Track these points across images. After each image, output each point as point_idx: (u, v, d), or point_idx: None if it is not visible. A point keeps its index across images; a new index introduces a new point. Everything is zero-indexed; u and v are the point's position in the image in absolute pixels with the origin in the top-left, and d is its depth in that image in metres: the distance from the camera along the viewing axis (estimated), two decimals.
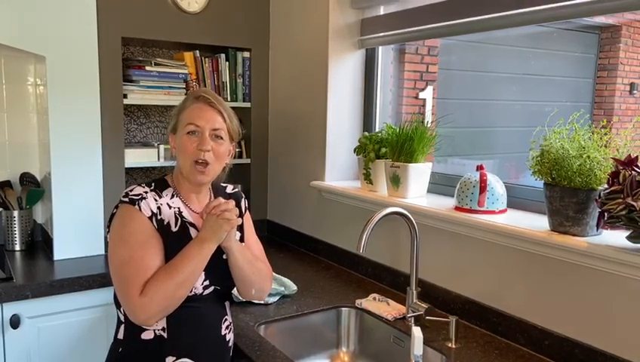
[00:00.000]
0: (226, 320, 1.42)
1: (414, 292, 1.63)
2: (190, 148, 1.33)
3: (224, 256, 1.36)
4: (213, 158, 1.34)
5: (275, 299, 1.81)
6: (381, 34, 2.19)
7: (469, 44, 3.83)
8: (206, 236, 1.29)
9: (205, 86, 2.52)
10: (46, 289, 1.91)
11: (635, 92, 4.78)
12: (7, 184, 2.30)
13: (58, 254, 2.16)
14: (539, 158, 1.45)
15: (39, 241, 2.41)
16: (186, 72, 2.44)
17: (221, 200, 1.33)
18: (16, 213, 2.25)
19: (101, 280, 2.00)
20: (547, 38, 4.19)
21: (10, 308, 1.85)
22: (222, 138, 1.36)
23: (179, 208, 1.37)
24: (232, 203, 1.33)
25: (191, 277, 1.28)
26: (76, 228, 2.19)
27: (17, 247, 2.27)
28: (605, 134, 1.36)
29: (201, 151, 1.32)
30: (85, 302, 1.98)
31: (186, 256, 1.28)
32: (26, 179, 2.36)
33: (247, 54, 2.60)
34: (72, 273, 2.00)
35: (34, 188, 2.32)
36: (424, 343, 1.41)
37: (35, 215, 2.41)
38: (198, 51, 2.50)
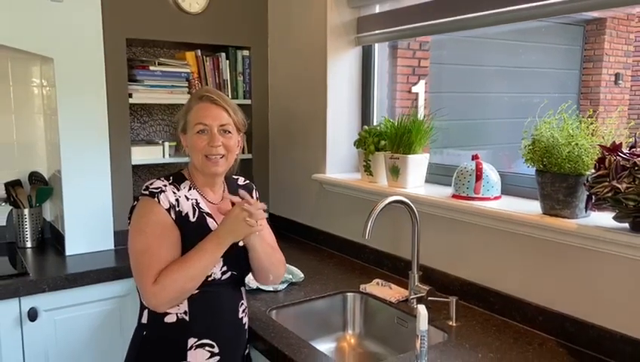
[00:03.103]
0: (242, 304, 1.51)
1: (416, 275, 1.73)
2: (201, 146, 1.42)
3: (240, 243, 1.45)
4: (225, 152, 1.44)
5: (284, 286, 1.90)
6: (377, 31, 2.28)
7: (459, 39, 3.93)
8: (223, 234, 1.36)
9: (207, 84, 2.59)
10: (62, 283, 1.98)
11: (620, 82, 4.91)
12: (17, 183, 2.36)
13: (70, 249, 2.23)
14: (530, 147, 1.55)
15: (49, 238, 2.47)
16: (188, 70, 2.51)
17: (251, 200, 1.39)
18: (26, 211, 2.32)
19: (113, 274, 2.07)
20: (534, 32, 4.31)
21: (27, 302, 1.92)
22: (230, 132, 1.45)
23: (196, 200, 1.45)
24: (261, 207, 1.41)
25: (203, 270, 1.36)
26: (86, 224, 2.26)
27: (29, 244, 2.34)
28: (592, 123, 1.46)
29: (212, 147, 1.41)
30: (99, 295, 2.06)
31: (201, 250, 1.36)
32: (35, 178, 2.42)
33: (246, 53, 2.67)
34: (84, 267, 2.07)
35: (43, 187, 2.39)
36: (428, 323, 1.51)
37: (44, 212, 2.47)
38: (199, 50, 2.58)
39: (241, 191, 1.43)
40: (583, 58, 4.81)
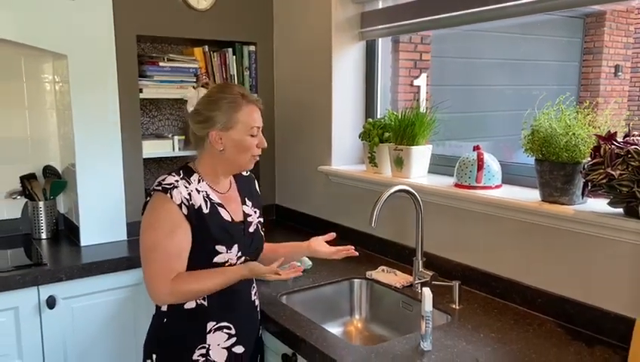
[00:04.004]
0: (254, 287, 1.60)
1: (420, 261, 1.81)
2: (252, 146, 1.51)
3: (251, 229, 1.54)
4: None
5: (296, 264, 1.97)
6: (380, 26, 2.35)
7: (460, 32, 3.99)
8: (247, 275, 1.49)
9: (215, 79, 2.65)
10: (78, 272, 2.05)
11: (619, 74, 4.96)
12: (32, 176, 2.44)
13: (84, 240, 2.31)
14: (530, 137, 1.61)
15: (62, 230, 2.55)
16: (196, 66, 2.57)
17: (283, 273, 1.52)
18: (41, 204, 2.39)
19: (127, 263, 2.14)
20: (535, 25, 4.36)
21: (46, 290, 1.99)
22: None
23: (206, 191, 1.50)
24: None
25: (214, 290, 1.45)
26: (100, 215, 2.33)
27: (44, 236, 2.41)
28: (588, 114, 1.53)
29: (260, 148, 1.52)
30: (114, 284, 2.13)
31: (222, 276, 1.45)
32: (49, 171, 2.50)
33: (252, 48, 2.73)
34: (99, 257, 2.14)
35: (57, 180, 2.46)
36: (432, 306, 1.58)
37: (58, 205, 2.54)
38: (207, 46, 2.64)
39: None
40: (583, 50, 4.86)
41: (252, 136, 1.50)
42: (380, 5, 2.38)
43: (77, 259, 2.16)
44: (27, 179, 2.41)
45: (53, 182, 2.44)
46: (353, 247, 1.72)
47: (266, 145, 1.54)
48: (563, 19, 4.57)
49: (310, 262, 2.05)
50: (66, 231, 2.53)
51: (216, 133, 1.47)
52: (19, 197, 2.42)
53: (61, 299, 2.03)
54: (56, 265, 2.06)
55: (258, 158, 1.55)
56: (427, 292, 1.41)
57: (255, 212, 1.62)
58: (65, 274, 2.03)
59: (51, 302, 1.99)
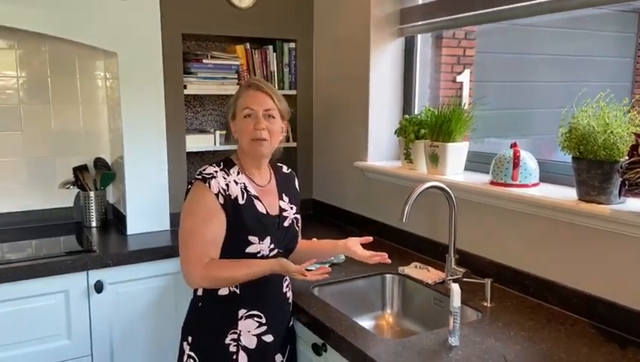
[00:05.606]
0: (286, 279, 1.65)
1: (453, 258, 1.81)
2: (248, 129, 1.54)
3: (285, 224, 1.58)
4: (268, 135, 1.56)
5: (326, 266, 2.01)
6: (419, 23, 2.34)
7: (507, 27, 3.89)
8: (277, 271, 1.54)
9: (255, 75, 2.72)
10: (124, 259, 2.17)
11: None
12: (84, 168, 2.58)
13: (131, 229, 2.43)
14: (567, 135, 1.59)
15: (111, 219, 2.69)
16: (238, 63, 2.65)
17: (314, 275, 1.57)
18: (92, 194, 2.53)
19: (170, 252, 2.24)
20: (585, 20, 4.20)
21: (94, 275, 2.11)
22: (274, 117, 1.57)
23: (244, 183, 1.58)
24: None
25: (244, 279, 1.51)
26: (146, 206, 2.45)
27: (94, 224, 2.55)
28: (628, 111, 1.49)
29: (257, 130, 1.54)
30: (157, 271, 2.24)
31: (252, 268, 1.51)
32: (99, 163, 2.64)
33: (292, 45, 2.79)
34: (144, 245, 2.26)
35: (107, 172, 2.60)
36: (462, 302, 1.58)
37: (107, 195, 2.68)
38: (248, 43, 2.71)
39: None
40: (638, 46, 4.65)
41: (245, 117, 1.54)
42: (420, 1, 2.38)
43: (124, 246, 2.28)
44: (79, 170, 2.56)
45: (103, 173, 2.58)
46: (387, 255, 1.72)
47: (261, 127, 1.53)
48: (615, 14, 4.38)
49: (343, 256, 2.08)
50: (114, 220, 2.67)
51: (231, 123, 1.61)
52: (71, 187, 2.57)
53: (108, 284, 2.15)
54: (105, 252, 2.18)
55: (261, 143, 1.54)
56: (455, 287, 1.42)
57: (292, 208, 1.66)
58: (112, 261, 2.15)
59: (99, 287, 2.12)
